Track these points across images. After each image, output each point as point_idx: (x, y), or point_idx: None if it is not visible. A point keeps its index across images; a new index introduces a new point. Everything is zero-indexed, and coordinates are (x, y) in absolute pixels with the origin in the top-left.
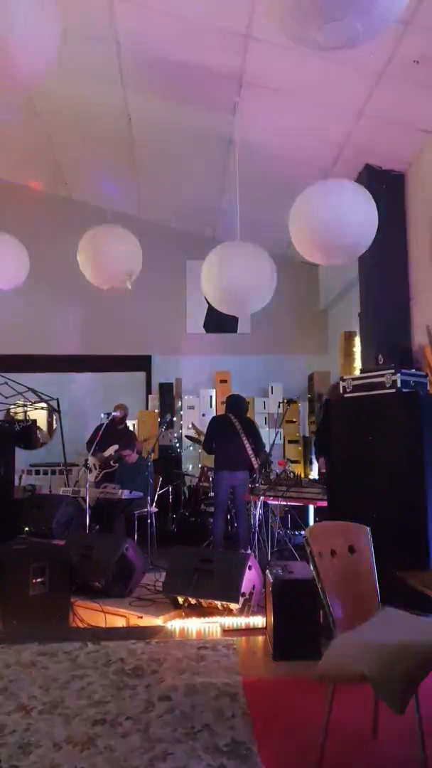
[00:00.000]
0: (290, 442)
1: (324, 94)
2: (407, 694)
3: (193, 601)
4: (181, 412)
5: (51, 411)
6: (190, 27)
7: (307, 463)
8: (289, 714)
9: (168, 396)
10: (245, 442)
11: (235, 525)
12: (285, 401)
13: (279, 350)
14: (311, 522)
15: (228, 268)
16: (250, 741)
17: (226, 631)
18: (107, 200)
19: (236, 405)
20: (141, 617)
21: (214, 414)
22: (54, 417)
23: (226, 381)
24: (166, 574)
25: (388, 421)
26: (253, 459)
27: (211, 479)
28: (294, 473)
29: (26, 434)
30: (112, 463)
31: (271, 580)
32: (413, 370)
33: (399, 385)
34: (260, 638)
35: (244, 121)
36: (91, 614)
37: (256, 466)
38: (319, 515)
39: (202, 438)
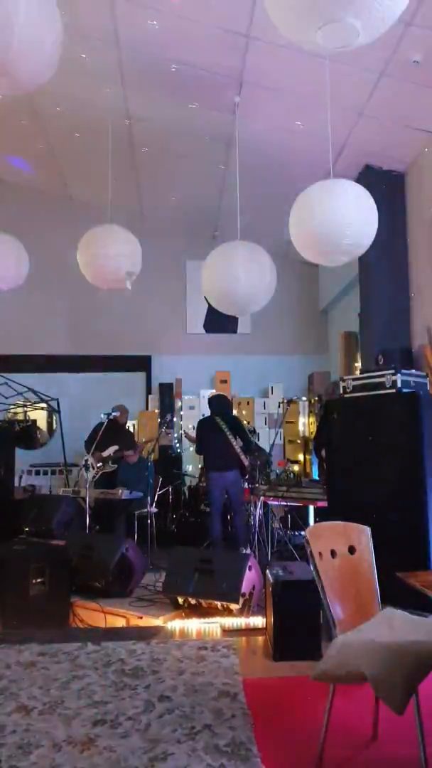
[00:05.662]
0: (290, 442)
1: (324, 94)
2: (407, 694)
3: (193, 601)
4: (181, 413)
5: (51, 411)
6: (190, 27)
7: (307, 463)
8: (289, 714)
9: (168, 396)
10: (232, 441)
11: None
12: (285, 401)
13: (279, 350)
14: (311, 522)
15: (228, 268)
16: (250, 741)
17: (226, 632)
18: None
19: (220, 405)
20: (141, 617)
21: None
22: (54, 417)
23: (226, 381)
24: (166, 574)
25: (388, 422)
26: (242, 457)
27: None
28: (294, 473)
29: (26, 434)
30: (110, 463)
31: (271, 581)
32: (413, 371)
33: (399, 385)
34: (260, 638)
35: (244, 121)
36: (91, 614)
37: (246, 464)
38: (319, 515)
39: (195, 441)
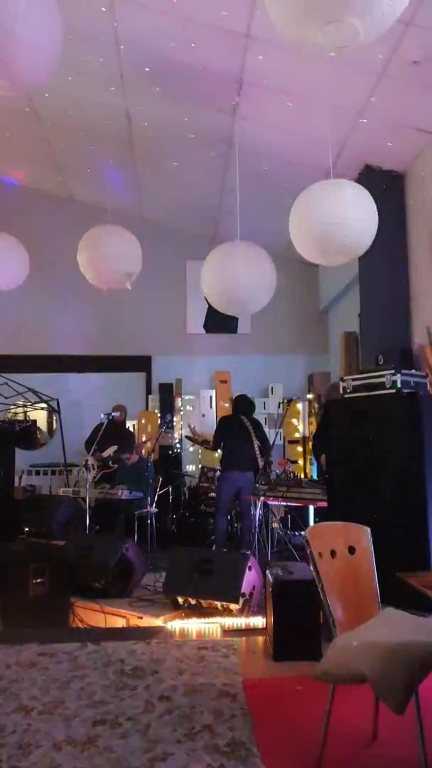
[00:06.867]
0: (290, 442)
1: (324, 94)
2: (407, 694)
3: (193, 601)
4: (181, 413)
5: (51, 411)
6: (190, 27)
7: (308, 463)
8: (289, 714)
9: (168, 396)
10: (255, 442)
11: (236, 525)
12: (285, 401)
13: (279, 350)
14: (311, 522)
15: (228, 268)
16: (250, 741)
17: (226, 632)
18: (109, 192)
19: (246, 406)
20: (141, 617)
21: (214, 414)
22: (54, 417)
23: (226, 381)
24: (166, 574)
25: (388, 422)
26: (259, 459)
27: (211, 478)
28: (294, 473)
29: (26, 434)
30: (110, 463)
31: (271, 581)
32: (413, 371)
33: (399, 385)
34: (260, 638)
35: (244, 121)
36: (91, 614)
37: (261, 465)
38: (319, 515)
39: (200, 439)
